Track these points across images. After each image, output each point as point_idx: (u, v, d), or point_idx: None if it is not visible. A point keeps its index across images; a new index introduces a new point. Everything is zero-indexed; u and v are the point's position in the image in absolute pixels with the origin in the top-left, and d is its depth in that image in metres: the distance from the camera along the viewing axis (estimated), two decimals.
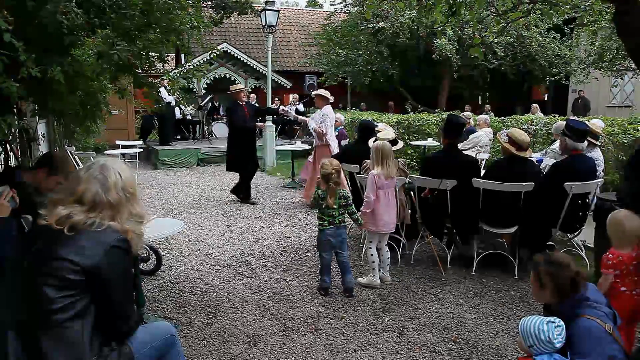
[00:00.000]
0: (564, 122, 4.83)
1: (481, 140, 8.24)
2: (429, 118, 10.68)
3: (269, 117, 11.46)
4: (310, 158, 8.66)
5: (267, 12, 10.84)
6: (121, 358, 2.01)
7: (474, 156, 6.39)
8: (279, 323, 3.69)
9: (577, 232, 4.75)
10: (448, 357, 3.23)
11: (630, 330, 2.84)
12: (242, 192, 7.88)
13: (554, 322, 2.20)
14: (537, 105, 13.30)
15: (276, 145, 11.47)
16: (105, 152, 10.54)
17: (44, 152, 6.20)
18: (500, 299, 4.12)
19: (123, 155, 9.56)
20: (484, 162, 7.47)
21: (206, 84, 15.35)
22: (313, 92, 7.68)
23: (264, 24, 11.02)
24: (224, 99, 12.88)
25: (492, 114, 12.30)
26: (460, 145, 6.50)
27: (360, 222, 4.24)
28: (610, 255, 2.80)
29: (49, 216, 1.95)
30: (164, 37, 3.84)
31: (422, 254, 5.20)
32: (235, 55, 15.57)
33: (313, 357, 3.23)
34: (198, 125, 14.26)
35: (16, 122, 3.45)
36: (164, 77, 5.17)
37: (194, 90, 15.11)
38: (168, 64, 6.12)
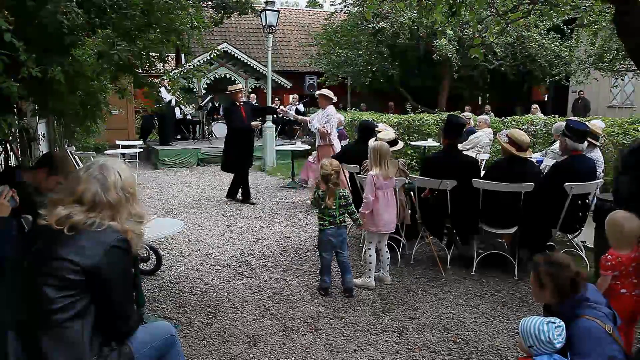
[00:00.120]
0: (564, 123, 4.83)
1: (481, 141, 8.24)
2: (429, 118, 10.68)
3: (269, 117, 11.46)
4: (310, 158, 8.66)
5: (267, 12, 10.84)
6: (121, 358, 2.01)
7: (474, 156, 6.39)
8: (279, 323, 3.69)
9: (577, 233, 4.75)
10: (448, 358, 3.23)
11: (629, 331, 2.84)
12: (236, 193, 7.89)
13: (554, 323, 2.20)
14: (537, 106, 13.30)
15: (276, 145, 11.47)
16: (105, 152, 10.54)
17: (44, 152, 6.21)
18: (500, 300, 4.12)
19: (123, 155, 9.55)
20: (484, 162, 7.47)
21: (206, 84, 15.36)
22: (316, 93, 7.68)
23: (264, 24, 11.02)
24: (224, 99, 12.88)
25: (492, 114, 12.31)
26: (460, 146, 6.51)
27: (359, 222, 4.24)
28: (609, 256, 2.80)
29: (48, 216, 1.96)
30: (164, 37, 3.84)
31: (422, 254, 5.20)
32: (236, 55, 15.58)
33: (313, 357, 3.24)
34: (198, 125, 14.27)
35: (16, 122, 3.45)
36: (164, 77, 5.18)
37: (194, 90, 15.11)
38: (168, 64, 6.13)
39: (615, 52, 11.19)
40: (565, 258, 2.36)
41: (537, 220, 4.45)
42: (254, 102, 12.93)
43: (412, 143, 10.12)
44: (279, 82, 16.40)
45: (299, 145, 9.69)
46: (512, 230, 4.58)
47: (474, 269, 4.68)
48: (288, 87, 16.77)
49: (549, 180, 4.47)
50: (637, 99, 15.28)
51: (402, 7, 9.03)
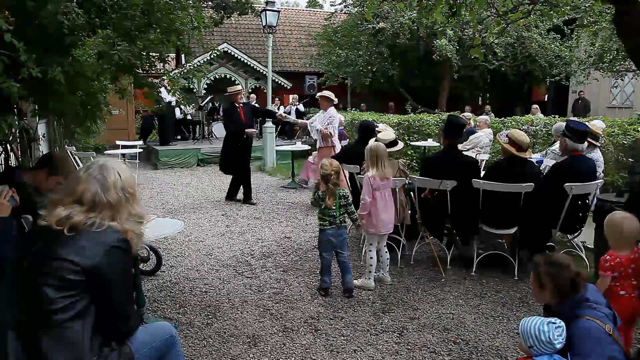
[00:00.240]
0: (564, 123, 4.83)
1: (481, 141, 8.24)
2: (429, 119, 10.68)
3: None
4: (310, 158, 8.66)
5: (267, 12, 10.85)
6: (121, 358, 2.01)
7: (474, 157, 6.39)
8: (279, 323, 3.69)
9: (577, 233, 4.74)
10: (448, 358, 3.23)
11: (627, 332, 2.84)
12: (236, 194, 7.89)
13: (554, 323, 2.20)
14: (537, 106, 13.31)
15: (276, 145, 11.47)
16: (105, 152, 10.54)
17: (44, 152, 6.21)
18: (500, 300, 4.12)
19: (123, 155, 9.56)
20: (484, 162, 7.48)
21: (206, 84, 15.36)
22: (317, 94, 7.68)
23: (264, 24, 11.03)
24: (224, 99, 12.88)
25: (492, 114, 12.31)
26: (460, 146, 6.51)
27: (358, 223, 4.24)
28: (608, 257, 2.79)
29: (49, 217, 1.95)
30: (164, 37, 3.84)
31: (422, 254, 5.20)
32: (236, 55, 15.58)
33: (313, 357, 3.24)
34: (198, 126, 14.28)
35: (17, 122, 3.46)
36: (164, 78, 5.18)
37: (194, 90, 15.11)
38: (168, 64, 6.13)
39: (615, 52, 11.19)
40: (565, 258, 2.36)
41: (537, 220, 4.45)
42: (253, 103, 12.92)
43: (412, 143, 10.12)
44: (279, 82, 16.40)
45: (299, 146, 9.70)
46: (512, 230, 4.58)
47: (474, 269, 4.68)
48: (288, 87, 16.77)
49: (549, 181, 4.47)
50: (637, 99, 15.28)
51: (402, 8, 9.04)
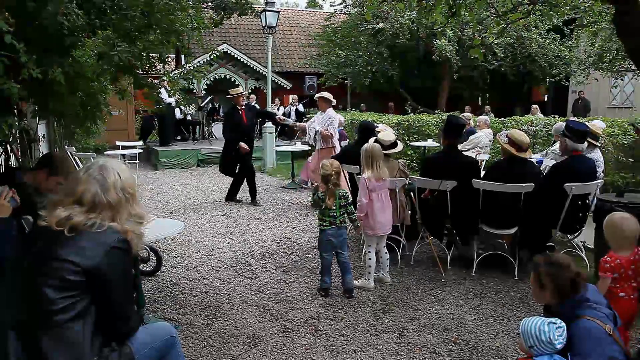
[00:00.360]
0: (564, 123, 4.83)
1: (481, 141, 8.24)
2: (428, 119, 10.69)
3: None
4: (310, 159, 8.66)
5: (267, 13, 10.85)
6: (122, 359, 2.01)
7: (474, 157, 6.39)
8: (279, 324, 3.69)
9: (577, 233, 4.75)
10: (448, 358, 3.23)
11: (625, 333, 2.84)
12: (236, 195, 7.89)
13: (555, 323, 2.20)
14: (537, 106, 13.30)
15: (276, 146, 11.48)
16: (105, 152, 10.54)
17: (44, 153, 6.21)
18: (500, 300, 4.12)
19: (123, 156, 9.55)
20: (484, 163, 7.48)
21: (206, 84, 15.37)
22: (316, 95, 7.67)
23: (264, 24, 11.03)
24: (224, 99, 12.89)
25: (492, 114, 12.31)
26: (460, 146, 6.50)
27: (357, 223, 4.24)
28: (608, 258, 2.79)
29: (49, 217, 1.95)
30: (164, 38, 3.85)
31: (422, 254, 5.20)
32: (236, 56, 15.58)
33: (313, 357, 3.24)
34: (198, 126, 14.28)
35: (17, 123, 3.45)
36: (164, 78, 5.19)
37: (194, 91, 15.12)
38: (168, 64, 6.13)
39: (615, 52, 11.18)
40: (566, 258, 2.36)
41: (537, 220, 4.45)
42: (253, 103, 12.92)
43: (412, 144, 10.13)
44: (279, 82, 16.41)
45: (299, 146, 9.70)
46: (512, 230, 4.58)
47: (474, 269, 4.68)
48: (288, 87, 16.77)
49: (549, 181, 4.48)
50: (637, 99, 15.28)
51: (401, 8, 9.03)
